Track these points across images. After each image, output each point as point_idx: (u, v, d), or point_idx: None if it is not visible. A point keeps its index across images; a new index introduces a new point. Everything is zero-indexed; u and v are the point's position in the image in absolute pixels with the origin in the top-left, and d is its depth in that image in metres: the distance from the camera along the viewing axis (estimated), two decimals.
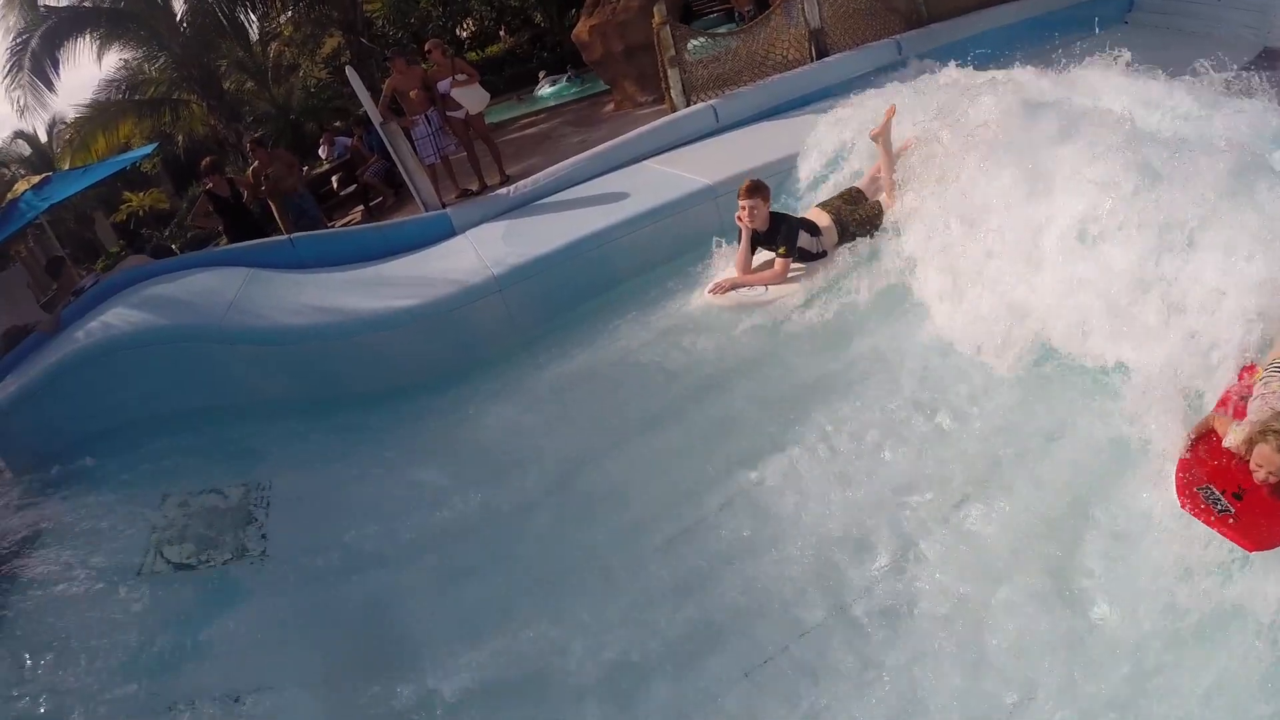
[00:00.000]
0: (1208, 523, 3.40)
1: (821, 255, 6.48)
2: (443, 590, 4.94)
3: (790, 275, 6.45)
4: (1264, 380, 3.63)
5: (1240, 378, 3.86)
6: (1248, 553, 3.34)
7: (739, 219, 6.44)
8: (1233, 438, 3.52)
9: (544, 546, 5.09)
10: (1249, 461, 3.38)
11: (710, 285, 6.69)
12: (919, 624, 3.93)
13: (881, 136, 6.64)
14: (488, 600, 4.78)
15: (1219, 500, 3.42)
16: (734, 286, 6.56)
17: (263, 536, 5.50)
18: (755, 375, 5.91)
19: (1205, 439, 3.68)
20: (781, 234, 6.37)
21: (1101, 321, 4.56)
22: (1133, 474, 4.08)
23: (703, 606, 4.37)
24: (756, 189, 6.39)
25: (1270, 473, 3.28)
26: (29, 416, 6.71)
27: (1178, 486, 3.55)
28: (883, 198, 6.62)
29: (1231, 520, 3.35)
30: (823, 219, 6.53)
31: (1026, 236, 5.10)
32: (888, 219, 6.45)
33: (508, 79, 21.27)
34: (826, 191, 7.41)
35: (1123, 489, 4.08)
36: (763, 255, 6.63)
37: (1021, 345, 4.94)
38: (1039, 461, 4.42)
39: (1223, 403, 3.82)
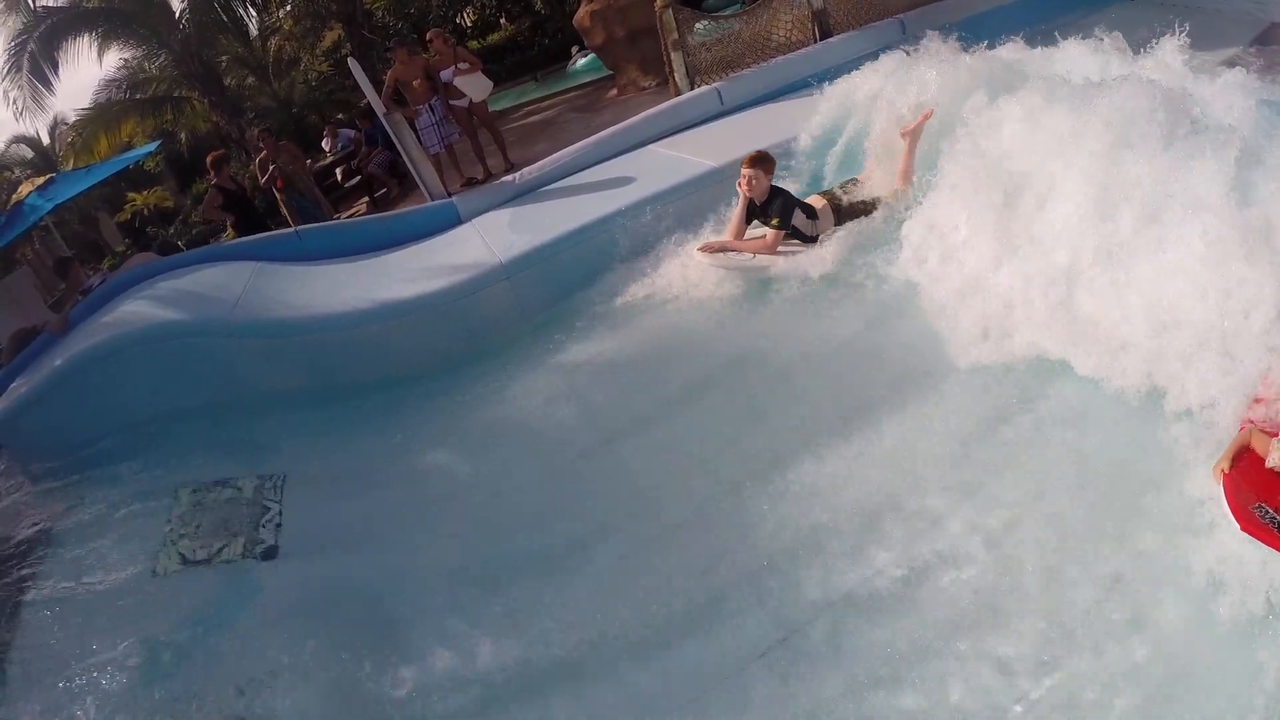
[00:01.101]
0: (1270, 543, 3.20)
1: (814, 239, 6.56)
2: (457, 579, 4.93)
3: (781, 250, 6.52)
4: None
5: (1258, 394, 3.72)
6: None
7: (739, 185, 6.54)
8: (1276, 456, 3.39)
9: (557, 530, 5.08)
10: None
11: (701, 244, 6.83)
12: (936, 609, 3.89)
13: (911, 136, 6.59)
14: (505, 590, 4.75)
15: (1275, 519, 3.25)
16: (723, 249, 6.69)
17: (277, 529, 5.48)
18: (765, 354, 5.89)
19: (1244, 454, 3.54)
20: (776, 208, 6.45)
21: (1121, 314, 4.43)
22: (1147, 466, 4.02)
23: (716, 586, 4.36)
24: (759, 160, 6.47)
25: None
26: (39, 416, 6.69)
27: (1231, 507, 3.36)
28: (894, 185, 6.60)
29: None
30: (819, 203, 6.63)
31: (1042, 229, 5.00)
32: (897, 205, 6.41)
33: (509, 66, 21.23)
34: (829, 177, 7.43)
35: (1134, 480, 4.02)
36: (756, 229, 6.73)
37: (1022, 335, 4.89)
38: (1053, 453, 4.36)
39: (1250, 419, 3.66)
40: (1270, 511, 3.26)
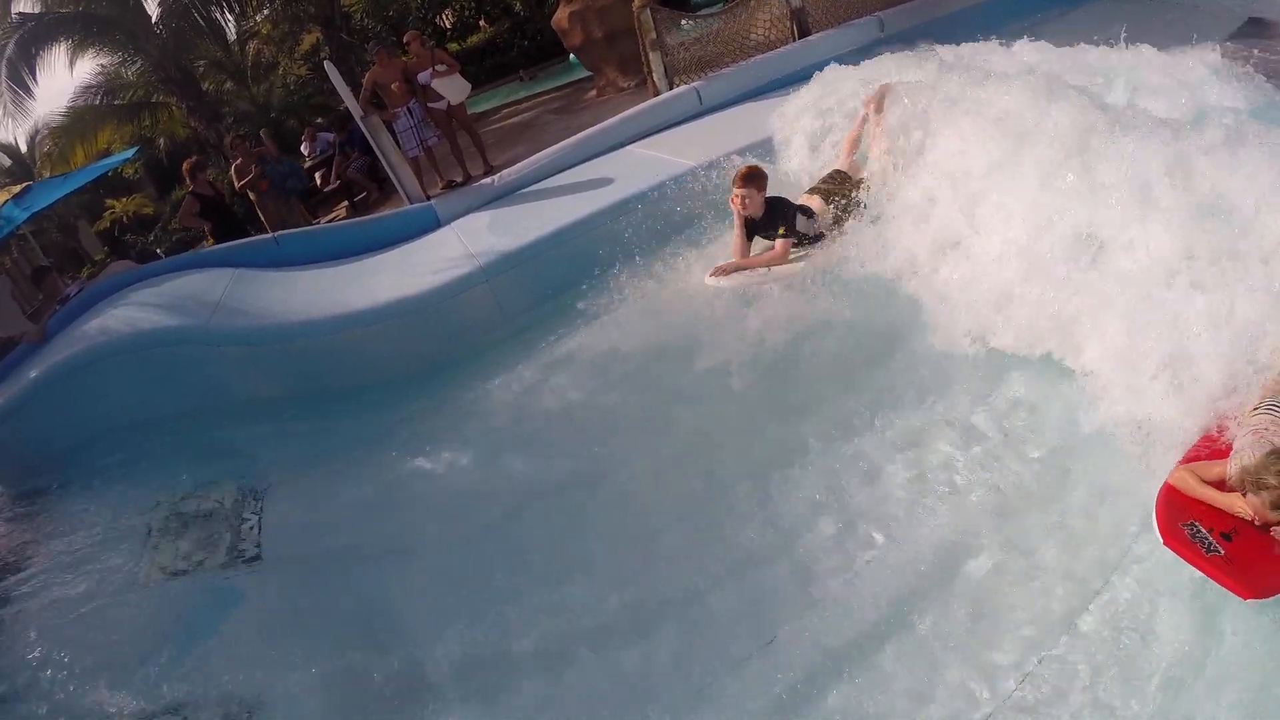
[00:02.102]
0: (1197, 565, 3.12)
1: (819, 238, 6.44)
2: (441, 581, 4.94)
3: (790, 257, 6.41)
4: (1255, 414, 3.45)
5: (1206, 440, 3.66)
6: (1242, 599, 3.04)
7: (732, 204, 6.38)
8: (1234, 466, 3.29)
9: (541, 530, 5.09)
10: (1244, 499, 3.20)
11: (712, 270, 6.57)
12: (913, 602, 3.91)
13: (874, 108, 6.70)
14: (487, 590, 4.75)
15: (1206, 539, 3.16)
16: (734, 270, 6.47)
17: (258, 536, 5.46)
18: (747, 353, 5.87)
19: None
20: (780, 218, 6.32)
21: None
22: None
23: (702, 583, 4.36)
24: (750, 178, 6.30)
25: (1267, 523, 3.15)
26: (18, 428, 6.67)
27: (1160, 522, 3.29)
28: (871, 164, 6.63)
29: (1223, 562, 3.08)
30: (815, 203, 6.51)
31: (1028, 222, 4.98)
32: (886, 185, 6.34)
33: (488, 69, 21.14)
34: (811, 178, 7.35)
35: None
36: (760, 244, 6.58)
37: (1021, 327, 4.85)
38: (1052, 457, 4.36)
39: (1193, 458, 3.59)
40: (1201, 530, 3.20)
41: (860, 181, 6.55)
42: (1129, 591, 3.50)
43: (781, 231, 6.32)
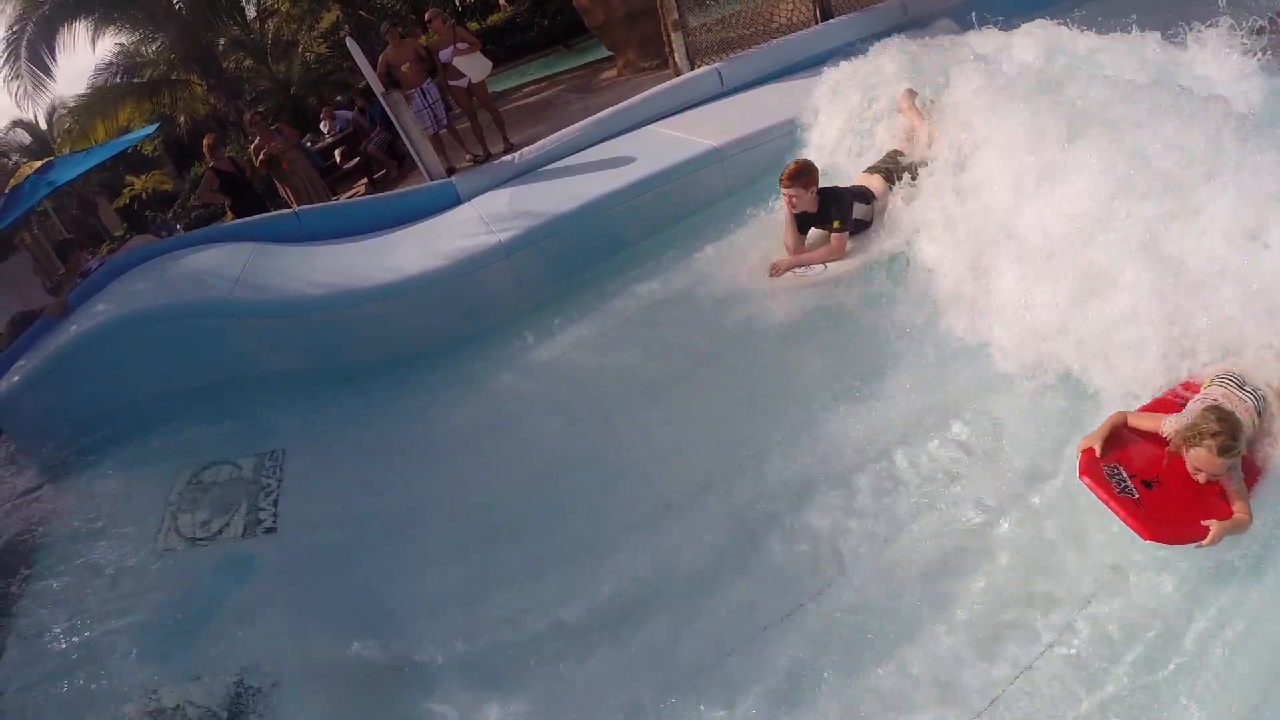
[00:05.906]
0: (1104, 499, 3.32)
1: (870, 224, 6.25)
2: (457, 556, 4.95)
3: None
4: (1208, 388, 3.63)
5: (1185, 388, 3.84)
6: (1142, 539, 3.24)
7: (784, 201, 6.19)
8: (1170, 426, 3.50)
9: (559, 506, 5.09)
10: (1183, 460, 3.37)
11: (769, 268, 6.39)
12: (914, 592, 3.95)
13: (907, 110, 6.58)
14: (503, 565, 4.79)
15: (1125, 482, 3.35)
16: (790, 267, 6.30)
17: (276, 506, 5.48)
18: (765, 329, 5.93)
19: (1119, 431, 3.64)
20: (834, 210, 6.11)
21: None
22: None
23: (716, 566, 4.39)
24: (797, 176, 6.06)
25: (1210, 475, 3.29)
26: (40, 399, 6.68)
27: (1082, 459, 3.49)
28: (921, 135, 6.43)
29: (1132, 504, 3.28)
30: (875, 183, 6.31)
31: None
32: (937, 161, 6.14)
33: (508, 48, 21.11)
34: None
35: None
36: (815, 235, 6.40)
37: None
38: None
39: (1154, 406, 3.77)
40: (1123, 475, 3.38)
41: (925, 161, 6.27)
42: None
43: (836, 225, 6.09)
